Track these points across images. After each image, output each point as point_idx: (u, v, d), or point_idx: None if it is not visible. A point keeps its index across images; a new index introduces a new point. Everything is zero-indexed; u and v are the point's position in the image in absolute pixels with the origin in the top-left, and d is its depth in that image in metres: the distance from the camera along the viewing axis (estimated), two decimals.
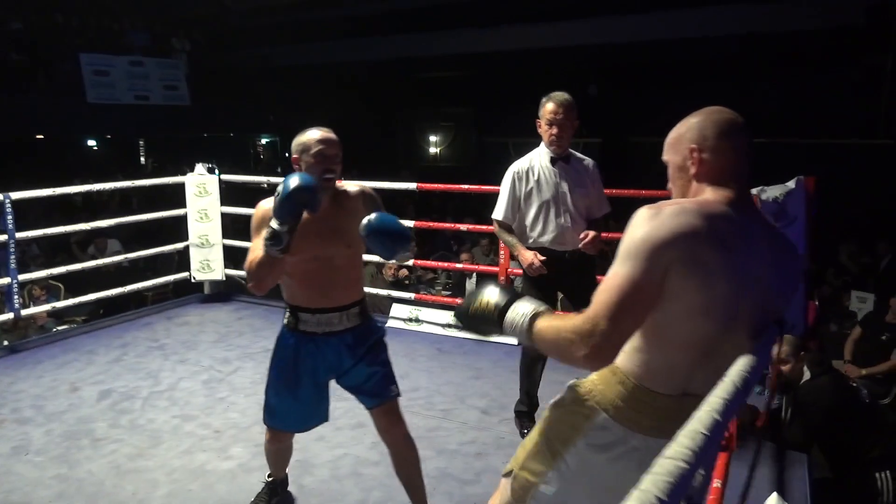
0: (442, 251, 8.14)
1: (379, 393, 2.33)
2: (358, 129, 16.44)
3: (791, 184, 2.89)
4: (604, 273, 1.41)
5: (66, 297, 5.67)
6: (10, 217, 4.39)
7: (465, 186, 4.81)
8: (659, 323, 1.34)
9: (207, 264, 5.36)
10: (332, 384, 2.41)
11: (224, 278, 5.57)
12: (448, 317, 4.86)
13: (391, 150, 17.06)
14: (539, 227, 3.21)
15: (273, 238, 2.02)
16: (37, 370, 4.13)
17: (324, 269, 2.24)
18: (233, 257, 5.81)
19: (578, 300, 3.30)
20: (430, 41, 13.61)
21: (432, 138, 16.93)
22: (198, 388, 3.83)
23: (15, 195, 4.43)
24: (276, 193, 2.04)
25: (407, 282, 6.42)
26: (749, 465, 3.03)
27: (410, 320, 4.95)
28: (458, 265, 5.67)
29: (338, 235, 2.24)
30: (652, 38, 11.41)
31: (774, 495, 2.58)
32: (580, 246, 3.13)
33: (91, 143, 17.83)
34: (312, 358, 2.30)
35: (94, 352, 4.44)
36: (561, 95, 3.11)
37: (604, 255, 3.50)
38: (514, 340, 4.53)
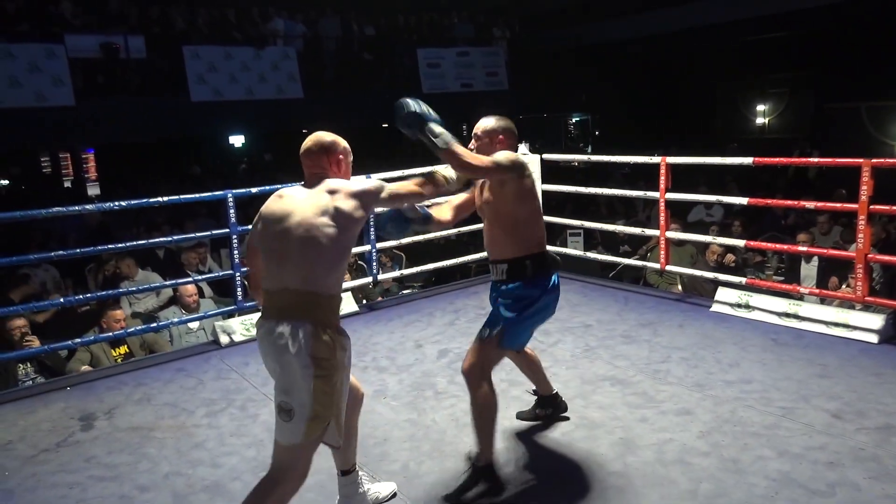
0: (771, 232, 7.31)
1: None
2: (673, 102, 15.63)
3: None
4: None
5: (406, 266, 6.45)
6: None
7: (815, 160, 4.20)
8: None
9: None
10: None
11: None
12: (786, 304, 4.35)
13: (710, 123, 15.86)
14: None
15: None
16: (388, 327, 4.78)
17: (487, 229, 2.80)
18: (551, 234, 5.98)
19: None
20: (754, 0, 12.19)
21: (759, 108, 15.26)
22: None
23: (375, 176, 5.13)
24: None
25: (733, 265, 5.91)
26: None
27: (739, 306, 4.55)
28: (802, 248, 5.00)
29: (487, 205, 2.74)
30: None
31: None
32: None
33: None
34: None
35: (432, 314, 4.98)
36: None
37: None
38: (872, 338, 3.89)
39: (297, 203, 2.19)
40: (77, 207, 4.44)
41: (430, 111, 2.40)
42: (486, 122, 2.77)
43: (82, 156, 17.49)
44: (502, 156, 2.59)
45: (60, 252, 4.56)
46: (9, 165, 18.08)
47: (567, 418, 3.23)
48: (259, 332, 2.19)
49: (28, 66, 9.24)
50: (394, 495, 2.65)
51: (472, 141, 2.77)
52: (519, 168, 2.61)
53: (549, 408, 3.23)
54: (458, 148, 2.40)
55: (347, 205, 2.17)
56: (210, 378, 4.03)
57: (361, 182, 2.31)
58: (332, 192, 2.19)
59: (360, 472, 2.56)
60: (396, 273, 5.92)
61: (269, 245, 2.20)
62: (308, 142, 2.32)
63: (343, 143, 2.38)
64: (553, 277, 2.72)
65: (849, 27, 11.93)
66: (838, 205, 4.75)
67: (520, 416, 3.26)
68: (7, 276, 6.08)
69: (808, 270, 5.82)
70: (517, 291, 2.65)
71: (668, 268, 5.07)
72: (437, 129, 2.37)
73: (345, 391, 2.20)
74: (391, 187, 2.38)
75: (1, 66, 9.03)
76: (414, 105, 2.38)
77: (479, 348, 2.66)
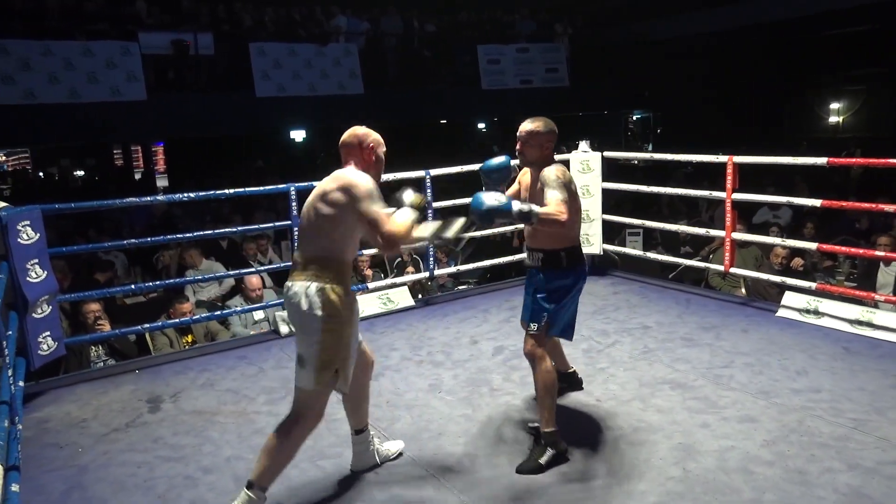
0: (844, 235, 6.99)
1: (524, 319, 3.04)
2: (740, 99, 15.12)
3: None
4: None
5: (462, 262, 6.45)
6: (429, 189, 5.14)
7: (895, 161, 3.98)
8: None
9: (587, 238, 5.52)
10: None
11: (601, 252, 5.68)
12: (859, 312, 4.16)
13: (779, 121, 15.27)
14: None
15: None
16: (444, 322, 4.79)
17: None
18: (609, 232, 5.88)
19: None
20: None
21: (833, 106, 14.61)
22: (578, 356, 3.97)
23: (434, 172, 5.16)
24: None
25: (801, 269, 5.68)
26: None
27: (807, 312, 4.37)
28: (879, 252, 4.75)
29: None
30: None
31: None
32: None
33: (480, 125, 19.99)
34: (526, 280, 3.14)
35: (487, 311, 4.97)
36: None
37: None
38: None
39: (316, 188, 2.55)
40: (149, 198, 4.62)
41: (496, 201, 2.61)
42: (533, 126, 2.91)
43: (152, 149, 18.17)
44: (563, 193, 2.75)
45: (133, 240, 4.75)
46: (85, 157, 18.96)
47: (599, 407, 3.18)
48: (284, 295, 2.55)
49: (105, 62, 9.68)
50: (400, 454, 2.93)
51: (519, 144, 2.93)
52: (572, 190, 2.85)
53: (565, 382, 3.43)
54: (544, 212, 2.68)
55: (335, 193, 2.44)
56: (270, 367, 4.13)
57: (359, 180, 2.45)
58: (334, 180, 2.48)
59: (370, 432, 2.87)
60: (452, 269, 5.92)
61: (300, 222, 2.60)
62: (344, 135, 2.61)
63: (370, 137, 2.60)
64: (584, 266, 3.05)
65: None
66: None
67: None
68: (90, 261, 6.41)
69: (886, 277, 5.54)
70: (552, 284, 2.92)
71: (733, 270, 4.92)
72: (520, 207, 2.63)
73: (352, 344, 2.53)
74: (374, 209, 2.42)
75: (81, 62, 9.49)
76: (486, 203, 2.61)
77: (533, 338, 2.92)
